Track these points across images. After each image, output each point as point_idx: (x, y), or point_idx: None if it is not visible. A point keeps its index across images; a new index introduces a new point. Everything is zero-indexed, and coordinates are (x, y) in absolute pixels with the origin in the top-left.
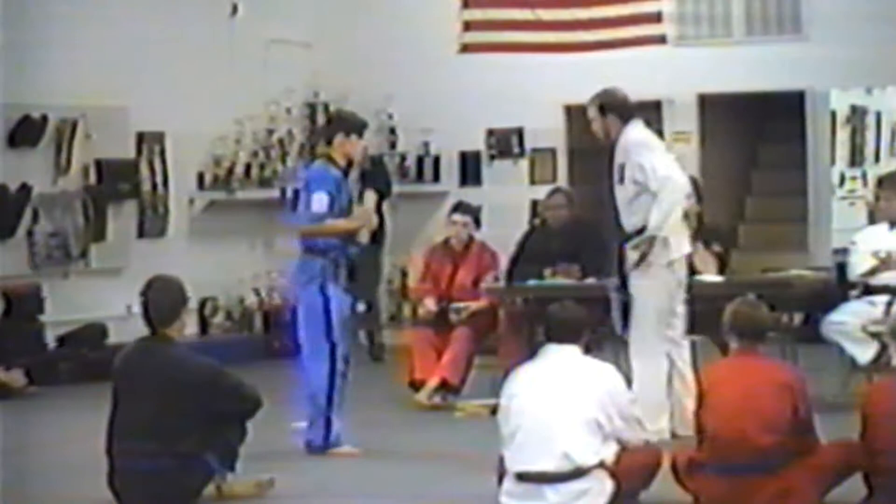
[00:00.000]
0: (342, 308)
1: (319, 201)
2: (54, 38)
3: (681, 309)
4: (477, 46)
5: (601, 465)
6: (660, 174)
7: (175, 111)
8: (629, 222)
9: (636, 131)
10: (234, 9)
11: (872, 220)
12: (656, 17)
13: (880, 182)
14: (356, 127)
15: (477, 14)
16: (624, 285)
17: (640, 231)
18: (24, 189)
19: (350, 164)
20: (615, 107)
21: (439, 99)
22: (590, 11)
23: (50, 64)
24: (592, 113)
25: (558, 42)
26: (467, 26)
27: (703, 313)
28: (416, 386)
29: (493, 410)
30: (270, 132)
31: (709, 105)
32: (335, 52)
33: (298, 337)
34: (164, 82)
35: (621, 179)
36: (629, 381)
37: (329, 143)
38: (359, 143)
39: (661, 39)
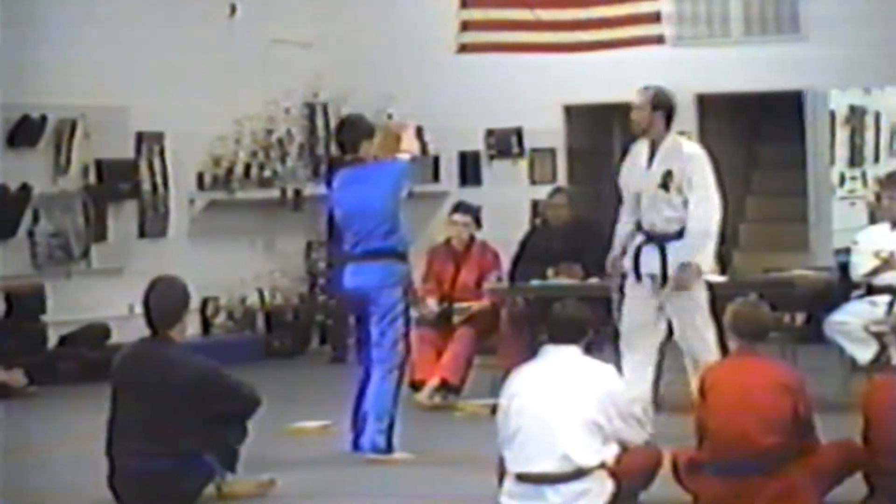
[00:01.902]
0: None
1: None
2: (54, 37)
3: None
4: (475, 47)
5: (601, 465)
6: (710, 206)
7: (175, 111)
8: (669, 225)
9: (695, 146)
10: (234, 9)
11: (873, 219)
12: (655, 18)
13: (882, 181)
14: (373, 131)
15: (476, 14)
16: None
17: (678, 234)
18: (24, 189)
19: None
20: (666, 106)
21: (439, 99)
22: (588, 12)
23: (49, 64)
24: (642, 102)
25: (557, 42)
26: (466, 26)
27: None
28: (416, 386)
29: (494, 410)
30: (270, 132)
31: (707, 105)
32: (335, 53)
33: (362, 339)
34: (163, 82)
35: (665, 186)
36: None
37: (353, 149)
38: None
39: (660, 40)
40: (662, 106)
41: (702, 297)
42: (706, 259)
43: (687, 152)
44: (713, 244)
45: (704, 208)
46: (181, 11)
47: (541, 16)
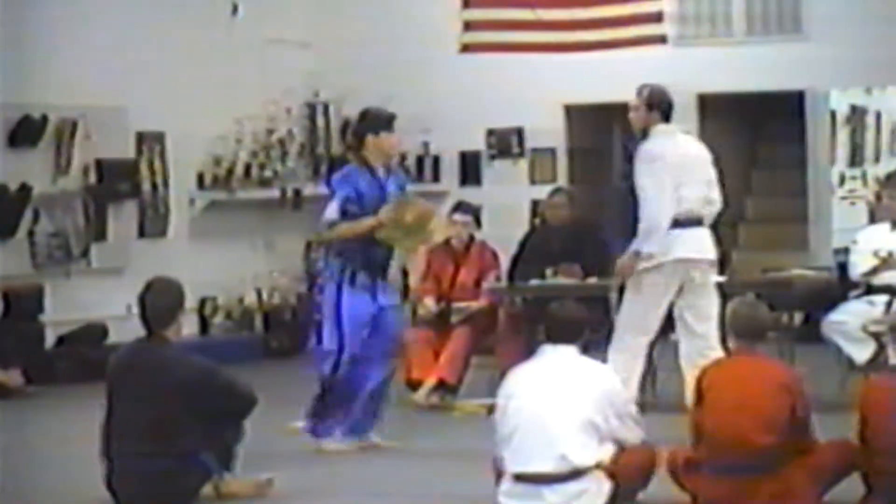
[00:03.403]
0: (355, 310)
1: (330, 208)
2: (54, 37)
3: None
4: (477, 46)
5: (598, 465)
6: (646, 207)
7: (175, 111)
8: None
9: (650, 144)
10: (234, 9)
11: (873, 219)
12: (656, 17)
13: (884, 181)
14: (385, 122)
15: (477, 14)
16: None
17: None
18: (24, 189)
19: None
20: (662, 105)
21: (439, 99)
22: (590, 11)
23: (50, 64)
24: (638, 102)
25: (558, 42)
26: (467, 26)
27: None
28: (413, 385)
29: (491, 410)
30: (270, 132)
31: (709, 105)
32: (335, 52)
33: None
34: (163, 82)
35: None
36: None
37: (358, 144)
38: (391, 136)
39: (662, 39)
40: (658, 105)
41: (639, 283)
42: (649, 248)
43: (637, 154)
44: (657, 236)
45: (643, 209)
46: (182, 12)
47: (542, 15)
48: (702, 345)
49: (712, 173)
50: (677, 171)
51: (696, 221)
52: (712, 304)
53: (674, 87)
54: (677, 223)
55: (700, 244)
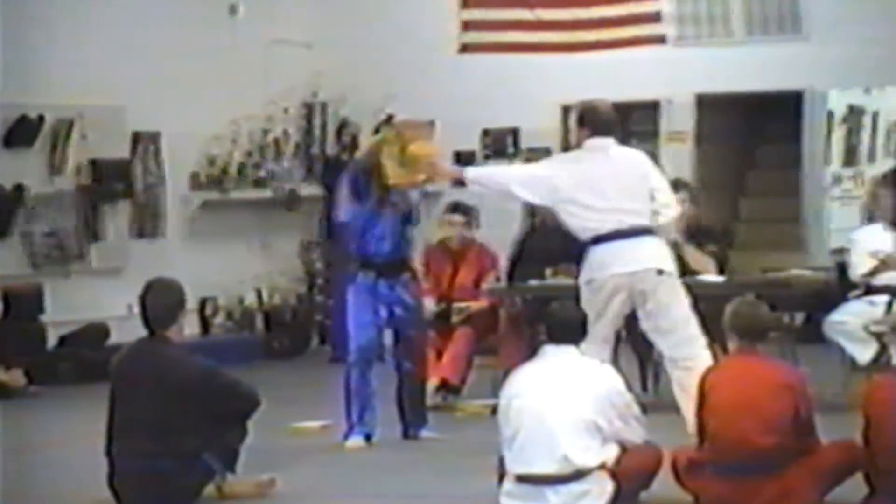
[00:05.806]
0: (357, 309)
1: None
2: (51, 37)
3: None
4: (476, 46)
5: (601, 466)
6: None
7: (172, 111)
8: None
9: (568, 153)
10: (233, 9)
11: (871, 219)
12: (655, 18)
13: (879, 180)
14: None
15: (476, 14)
16: None
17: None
18: (19, 189)
19: None
20: (591, 120)
21: (437, 98)
22: (589, 11)
23: (46, 64)
24: (571, 122)
25: (558, 42)
26: (466, 26)
27: (703, 314)
28: None
29: (494, 411)
30: (266, 132)
31: (706, 105)
32: (334, 53)
33: None
34: (160, 82)
35: None
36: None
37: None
38: None
39: (661, 39)
40: (589, 121)
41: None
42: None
43: None
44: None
45: None
46: (180, 11)
47: (541, 15)
48: (673, 341)
49: (657, 182)
50: (589, 182)
51: (636, 232)
52: (676, 306)
53: (673, 87)
54: (610, 237)
55: (637, 255)
